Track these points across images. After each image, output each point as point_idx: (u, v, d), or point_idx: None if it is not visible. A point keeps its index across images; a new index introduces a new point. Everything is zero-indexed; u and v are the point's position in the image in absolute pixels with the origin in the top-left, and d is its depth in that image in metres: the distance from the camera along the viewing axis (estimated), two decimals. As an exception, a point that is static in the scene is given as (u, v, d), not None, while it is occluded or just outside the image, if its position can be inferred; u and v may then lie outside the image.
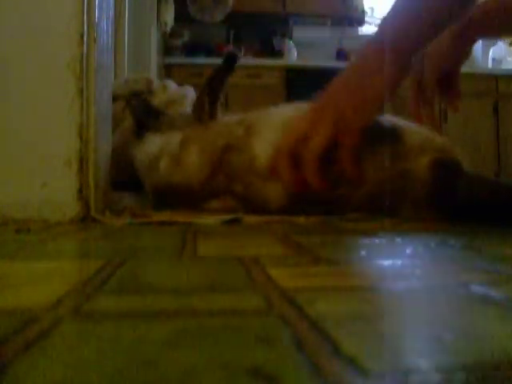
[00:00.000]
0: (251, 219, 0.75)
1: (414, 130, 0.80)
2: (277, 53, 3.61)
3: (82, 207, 0.73)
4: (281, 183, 0.79)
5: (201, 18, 3.50)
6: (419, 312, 0.26)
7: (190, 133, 0.92)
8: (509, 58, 3.69)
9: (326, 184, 0.71)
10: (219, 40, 3.66)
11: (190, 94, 1.21)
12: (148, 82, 1.19)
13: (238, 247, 0.51)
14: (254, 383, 0.17)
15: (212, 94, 0.96)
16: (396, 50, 0.69)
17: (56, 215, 0.72)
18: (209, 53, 3.48)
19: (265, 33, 3.73)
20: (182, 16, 3.30)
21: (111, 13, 0.87)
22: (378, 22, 3.91)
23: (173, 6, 3.06)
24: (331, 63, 3.42)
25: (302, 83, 3.14)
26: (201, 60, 3.24)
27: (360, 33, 3.91)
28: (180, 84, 1.26)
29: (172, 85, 1.21)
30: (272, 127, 0.83)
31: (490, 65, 3.68)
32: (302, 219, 0.75)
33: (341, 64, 3.38)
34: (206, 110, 0.94)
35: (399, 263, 0.41)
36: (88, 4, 0.76)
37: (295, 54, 3.62)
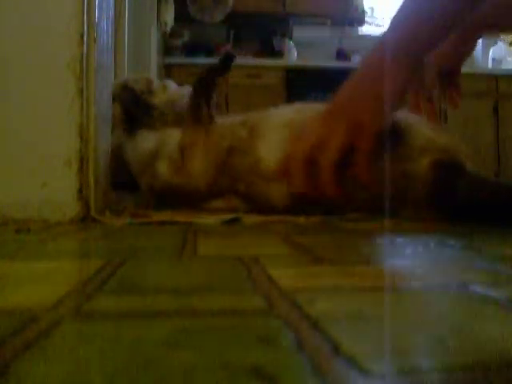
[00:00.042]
0: (251, 219, 0.75)
1: (416, 129, 0.80)
2: (277, 53, 3.61)
3: (82, 207, 0.73)
4: (284, 184, 0.80)
5: (201, 17, 3.50)
6: (419, 312, 0.26)
7: (191, 135, 0.92)
8: (509, 58, 3.69)
9: (340, 190, 0.70)
10: (219, 40, 3.66)
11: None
12: (148, 82, 1.19)
13: (238, 247, 0.51)
14: (254, 383, 0.17)
15: (206, 95, 0.95)
16: (407, 52, 0.69)
17: (56, 215, 0.72)
18: (209, 53, 3.48)
19: (265, 33, 3.73)
20: (182, 16, 3.30)
21: (111, 13, 0.87)
22: (378, 21, 3.91)
23: (173, 6, 3.06)
24: (331, 63, 3.42)
25: (302, 83, 3.14)
26: (201, 60, 3.23)
27: (360, 33, 3.90)
28: (180, 84, 1.26)
29: (172, 85, 1.21)
30: (275, 129, 0.84)
31: (490, 65, 3.68)
32: (302, 219, 0.75)
33: (341, 64, 3.38)
34: (204, 111, 0.94)
35: (399, 263, 0.41)
36: (88, 4, 0.76)
37: (295, 54, 3.62)
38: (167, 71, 3.15)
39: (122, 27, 1.66)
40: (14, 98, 0.74)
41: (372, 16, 3.92)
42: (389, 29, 0.73)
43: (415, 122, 0.81)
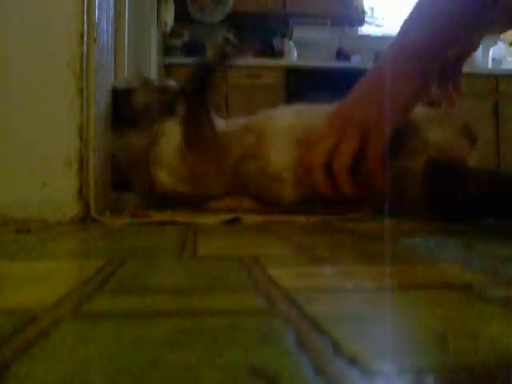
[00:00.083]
0: (251, 219, 0.75)
1: (412, 127, 0.80)
2: (277, 53, 3.61)
3: (82, 207, 0.73)
4: (294, 183, 0.82)
5: (201, 18, 3.50)
6: (419, 312, 0.26)
7: (194, 143, 0.91)
8: (509, 58, 3.69)
9: (357, 190, 0.73)
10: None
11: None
12: (148, 82, 1.19)
13: (238, 247, 0.51)
14: (254, 383, 0.17)
15: (201, 99, 0.90)
16: (422, 55, 0.68)
17: (56, 215, 0.72)
18: (209, 53, 3.48)
19: (265, 33, 3.73)
20: (182, 16, 3.30)
21: (111, 13, 0.87)
22: (378, 22, 3.91)
23: (173, 6, 3.06)
24: (331, 63, 3.42)
25: (302, 83, 3.14)
26: (201, 60, 3.23)
27: (360, 33, 3.90)
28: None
29: (172, 83, 1.21)
30: (281, 133, 0.86)
31: (490, 65, 3.68)
32: (302, 219, 0.75)
33: (341, 64, 3.38)
34: (204, 121, 0.91)
35: (399, 263, 0.41)
36: (88, 4, 0.76)
37: (295, 54, 3.62)
38: (167, 71, 3.15)
39: (121, 27, 1.66)
40: (14, 98, 0.74)
41: (372, 16, 3.92)
42: (402, 31, 0.71)
43: (412, 120, 0.81)
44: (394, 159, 0.75)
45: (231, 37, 0.88)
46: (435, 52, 0.69)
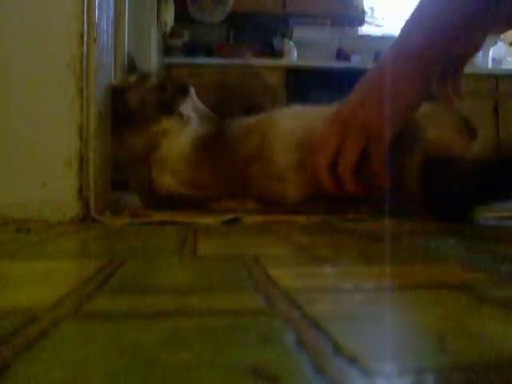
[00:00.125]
0: (251, 219, 0.75)
1: (410, 123, 0.79)
2: (277, 53, 3.61)
3: (81, 207, 0.73)
4: (297, 183, 0.82)
5: (201, 18, 3.50)
6: (419, 312, 0.26)
7: (196, 143, 0.90)
8: (509, 58, 3.69)
9: (361, 189, 0.75)
10: (219, 40, 3.66)
11: (192, 93, 1.20)
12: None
13: (238, 247, 0.51)
14: (254, 383, 0.17)
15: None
16: (423, 55, 0.67)
17: (56, 215, 0.72)
18: (209, 53, 3.48)
19: (265, 33, 3.73)
20: (182, 16, 3.30)
21: (111, 13, 0.87)
22: (378, 22, 3.91)
23: (173, 6, 3.06)
24: (331, 63, 3.42)
25: (302, 83, 3.14)
26: (201, 60, 3.23)
27: (360, 33, 3.90)
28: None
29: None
30: (284, 135, 0.87)
31: (489, 65, 3.68)
32: (302, 219, 0.75)
33: (341, 64, 3.38)
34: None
35: (399, 263, 0.41)
36: (88, 4, 0.76)
37: (295, 54, 3.62)
38: (167, 71, 3.15)
39: (121, 27, 1.66)
40: (14, 98, 0.74)
41: (372, 16, 3.92)
42: (403, 31, 0.71)
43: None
44: (392, 155, 0.75)
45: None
46: (436, 52, 0.69)
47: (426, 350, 0.20)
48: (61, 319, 0.24)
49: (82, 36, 0.74)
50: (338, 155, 0.74)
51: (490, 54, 3.68)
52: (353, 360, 0.18)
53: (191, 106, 1.00)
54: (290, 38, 3.70)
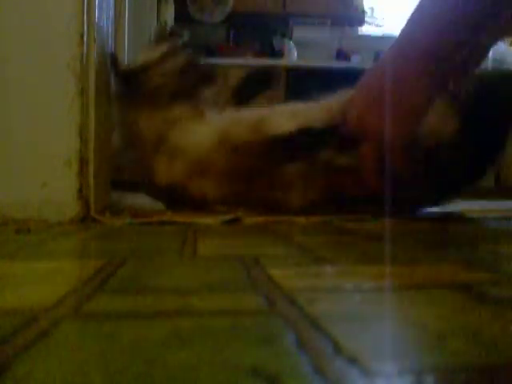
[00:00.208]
0: (251, 219, 0.75)
1: None
2: (277, 53, 3.61)
3: (81, 207, 0.73)
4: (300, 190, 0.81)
5: (201, 18, 3.50)
6: (419, 312, 0.26)
7: (225, 145, 0.83)
8: (509, 58, 3.69)
9: (385, 187, 0.73)
10: (219, 40, 3.66)
11: (219, 82, 1.14)
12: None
13: (238, 247, 0.51)
14: (254, 383, 0.17)
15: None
16: (423, 56, 0.67)
17: (56, 215, 0.72)
18: (209, 53, 3.48)
19: (265, 33, 3.73)
20: (182, 16, 3.30)
21: (111, 13, 0.87)
22: (378, 21, 3.91)
23: (173, 6, 3.06)
24: (331, 63, 3.42)
25: (301, 83, 3.13)
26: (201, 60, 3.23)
27: (360, 33, 3.90)
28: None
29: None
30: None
31: (489, 65, 3.68)
32: (302, 219, 0.75)
33: (341, 64, 3.38)
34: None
35: (399, 263, 0.41)
36: (88, 4, 0.75)
37: (295, 54, 3.62)
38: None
39: (121, 27, 1.66)
40: (14, 98, 0.74)
41: (372, 16, 3.92)
42: (403, 31, 0.70)
43: None
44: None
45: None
46: (437, 53, 0.68)
47: (425, 350, 0.20)
48: (61, 319, 0.24)
49: (82, 36, 0.74)
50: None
51: (490, 53, 3.68)
52: (353, 360, 0.18)
53: (215, 95, 0.93)
54: (290, 38, 3.70)
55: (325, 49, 3.74)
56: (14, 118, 0.73)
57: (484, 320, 0.24)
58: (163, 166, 0.87)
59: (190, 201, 0.88)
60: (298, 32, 3.74)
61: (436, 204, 0.85)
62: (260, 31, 3.75)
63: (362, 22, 3.87)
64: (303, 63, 3.36)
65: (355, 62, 3.54)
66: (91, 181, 0.74)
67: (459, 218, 0.81)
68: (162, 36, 1.03)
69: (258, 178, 0.84)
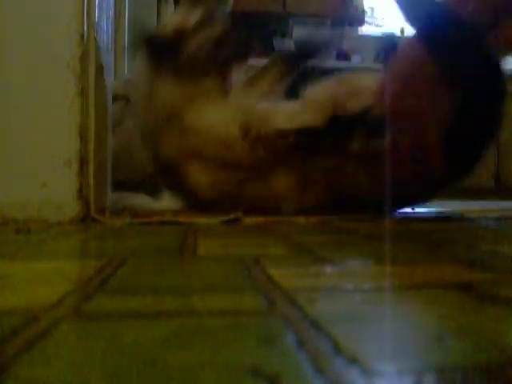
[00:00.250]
0: (251, 219, 0.75)
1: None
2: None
3: (81, 207, 0.73)
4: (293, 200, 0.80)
5: (201, 17, 3.50)
6: (419, 312, 0.26)
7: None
8: (509, 58, 3.69)
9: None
10: (219, 40, 3.66)
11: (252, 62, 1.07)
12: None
13: (239, 247, 0.51)
14: (254, 383, 0.17)
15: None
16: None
17: (56, 215, 0.72)
18: (209, 53, 3.48)
19: (265, 33, 3.73)
20: (181, 16, 3.30)
21: (111, 13, 0.87)
22: (378, 22, 3.91)
23: (173, 6, 3.06)
24: (331, 63, 3.42)
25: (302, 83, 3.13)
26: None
27: (360, 33, 3.90)
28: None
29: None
30: None
31: None
32: (302, 219, 0.75)
33: (341, 64, 3.37)
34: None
35: (399, 263, 0.41)
36: (88, 4, 0.76)
37: (295, 54, 3.61)
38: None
39: (121, 27, 1.66)
40: (14, 98, 0.74)
41: (372, 16, 3.92)
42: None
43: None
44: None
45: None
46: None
47: (425, 350, 0.20)
48: (61, 319, 0.24)
49: (82, 36, 0.74)
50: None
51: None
52: (353, 360, 0.18)
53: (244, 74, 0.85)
54: (290, 38, 3.70)
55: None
56: (14, 118, 0.73)
57: (484, 320, 0.24)
58: (172, 141, 0.83)
59: (180, 185, 0.85)
60: (298, 32, 3.74)
61: (425, 201, 0.86)
62: (260, 31, 3.75)
63: (362, 22, 3.87)
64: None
65: (355, 61, 3.54)
66: (91, 181, 0.74)
67: (459, 218, 0.81)
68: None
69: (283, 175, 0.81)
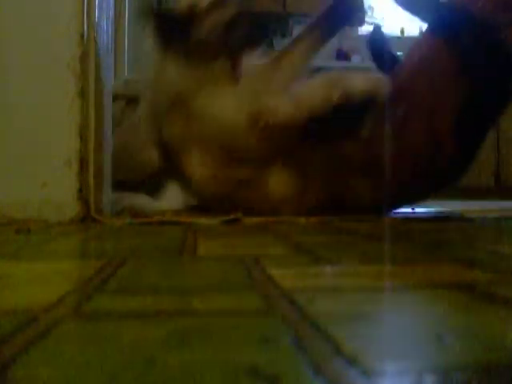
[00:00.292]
0: (251, 219, 0.75)
1: None
2: (277, 53, 3.61)
3: (81, 207, 0.73)
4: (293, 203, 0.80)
5: (201, 17, 3.50)
6: (419, 312, 0.26)
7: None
8: (509, 58, 3.69)
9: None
10: (219, 40, 3.66)
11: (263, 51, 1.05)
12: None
13: (238, 247, 0.51)
14: (254, 383, 0.16)
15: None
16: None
17: (56, 215, 0.72)
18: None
19: (264, 33, 3.72)
20: (181, 16, 3.30)
21: (111, 13, 0.87)
22: (378, 22, 3.90)
23: (173, 6, 3.06)
24: (331, 63, 3.42)
25: (301, 83, 3.13)
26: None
27: (360, 33, 3.90)
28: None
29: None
30: None
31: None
32: (302, 219, 0.75)
33: (341, 64, 3.37)
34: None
35: (399, 263, 0.41)
36: (88, 4, 0.76)
37: (295, 54, 3.62)
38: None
39: (122, 27, 1.66)
40: (14, 98, 0.74)
41: (372, 16, 3.92)
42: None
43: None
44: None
45: None
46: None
47: (426, 350, 0.20)
48: (61, 319, 0.24)
49: (82, 36, 0.74)
50: None
51: (490, 53, 3.68)
52: (353, 360, 0.18)
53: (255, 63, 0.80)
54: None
55: (325, 49, 3.74)
56: (14, 118, 0.74)
57: (484, 320, 0.24)
58: (176, 127, 0.80)
59: (180, 174, 0.83)
60: (298, 32, 3.73)
61: (421, 201, 0.86)
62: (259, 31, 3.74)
63: (362, 21, 3.87)
64: (303, 63, 3.35)
65: (355, 61, 3.54)
66: (91, 181, 0.74)
67: (459, 217, 0.81)
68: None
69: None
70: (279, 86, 0.79)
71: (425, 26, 0.84)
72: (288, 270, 0.37)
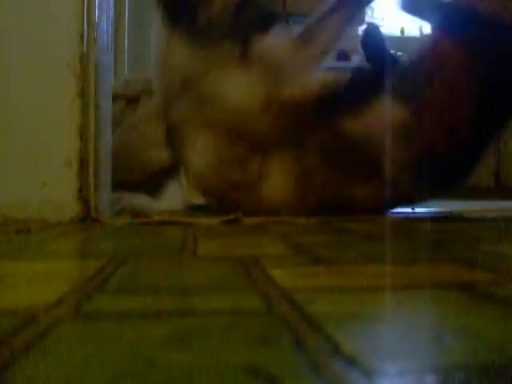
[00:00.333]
0: (251, 219, 0.75)
1: None
2: (277, 53, 3.60)
3: (81, 207, 0.73)
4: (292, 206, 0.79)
5: (201, 17, 3.50)
6: (419, 312, 0.26)
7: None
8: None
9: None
10: (219, 40, 3.66)
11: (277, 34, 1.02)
12: (148, 82, 1.18)
13: (238, 247, 0.51)
14: (254, 383, 0.17)
15: None
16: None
17: (56, 215, 0.72)
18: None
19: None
20: (181, 16, 3.30)
21: (111, 13, 0.87)
22: (378, 22, 3.90)
23: None
24: (331, 63, 3.41)
25: (301, 83, 3.13)
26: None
27: (360, 33, 3.90)
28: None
29: None
30: None
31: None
32: (302, 219, 0.75)
33: (341, 64, 3.37)
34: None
35: (399, 263, 0.41)
36: (88, 4, 0.75)
37: (295, 54, 3.62)
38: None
39: (121, 27, 1.66)
40: (14, 98, 0.74)
41: (372, 16, 3.92)
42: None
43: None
44: None
45: None
46: None
47: (426, 350, 0.20)
48: (61, 319, 0.24)
49: (82, 36, 0.74)
50: None
51: (490, 53, 3.68)
52: (353, 360, 0.18)
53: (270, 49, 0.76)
54: (290, 38, 3.70)
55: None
56: (14, 118, 0.73)
57: (484, 320, 0.24)
58: (184, 109, 0.78)
59: (183, 158, 0.80)
60: (298, 32, 3.73)
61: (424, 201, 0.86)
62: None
63: (362, 22, 3.87)
64: (303, 63, 3.35)
65: (355, 62, 3.54)
66: (91, 181, 0.74)
67: (459, 218, 0.81)
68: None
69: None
70: (310, 61, 0.81)
71: (426, 26, 0.86)
72: (288, 270, 0.37)
